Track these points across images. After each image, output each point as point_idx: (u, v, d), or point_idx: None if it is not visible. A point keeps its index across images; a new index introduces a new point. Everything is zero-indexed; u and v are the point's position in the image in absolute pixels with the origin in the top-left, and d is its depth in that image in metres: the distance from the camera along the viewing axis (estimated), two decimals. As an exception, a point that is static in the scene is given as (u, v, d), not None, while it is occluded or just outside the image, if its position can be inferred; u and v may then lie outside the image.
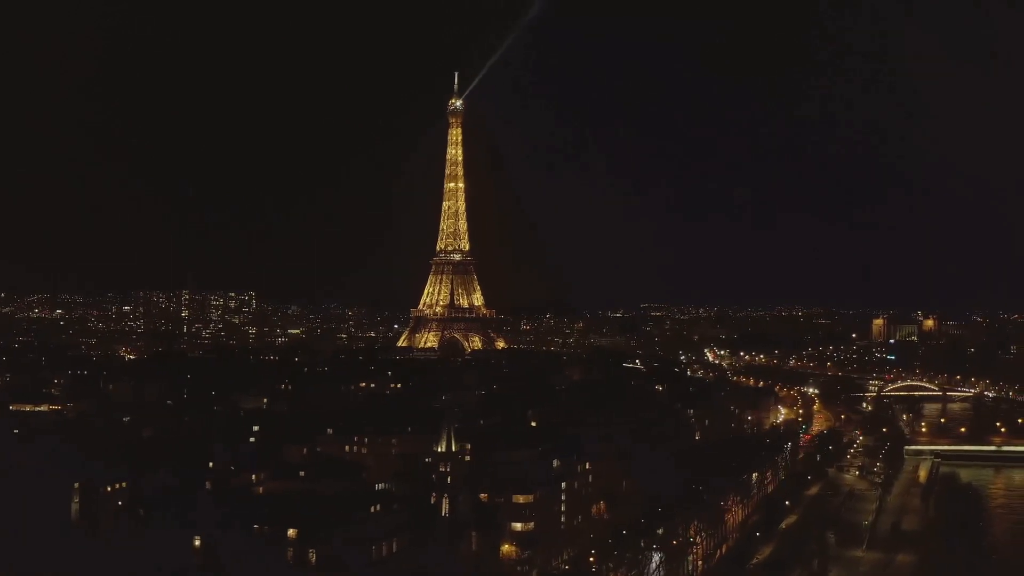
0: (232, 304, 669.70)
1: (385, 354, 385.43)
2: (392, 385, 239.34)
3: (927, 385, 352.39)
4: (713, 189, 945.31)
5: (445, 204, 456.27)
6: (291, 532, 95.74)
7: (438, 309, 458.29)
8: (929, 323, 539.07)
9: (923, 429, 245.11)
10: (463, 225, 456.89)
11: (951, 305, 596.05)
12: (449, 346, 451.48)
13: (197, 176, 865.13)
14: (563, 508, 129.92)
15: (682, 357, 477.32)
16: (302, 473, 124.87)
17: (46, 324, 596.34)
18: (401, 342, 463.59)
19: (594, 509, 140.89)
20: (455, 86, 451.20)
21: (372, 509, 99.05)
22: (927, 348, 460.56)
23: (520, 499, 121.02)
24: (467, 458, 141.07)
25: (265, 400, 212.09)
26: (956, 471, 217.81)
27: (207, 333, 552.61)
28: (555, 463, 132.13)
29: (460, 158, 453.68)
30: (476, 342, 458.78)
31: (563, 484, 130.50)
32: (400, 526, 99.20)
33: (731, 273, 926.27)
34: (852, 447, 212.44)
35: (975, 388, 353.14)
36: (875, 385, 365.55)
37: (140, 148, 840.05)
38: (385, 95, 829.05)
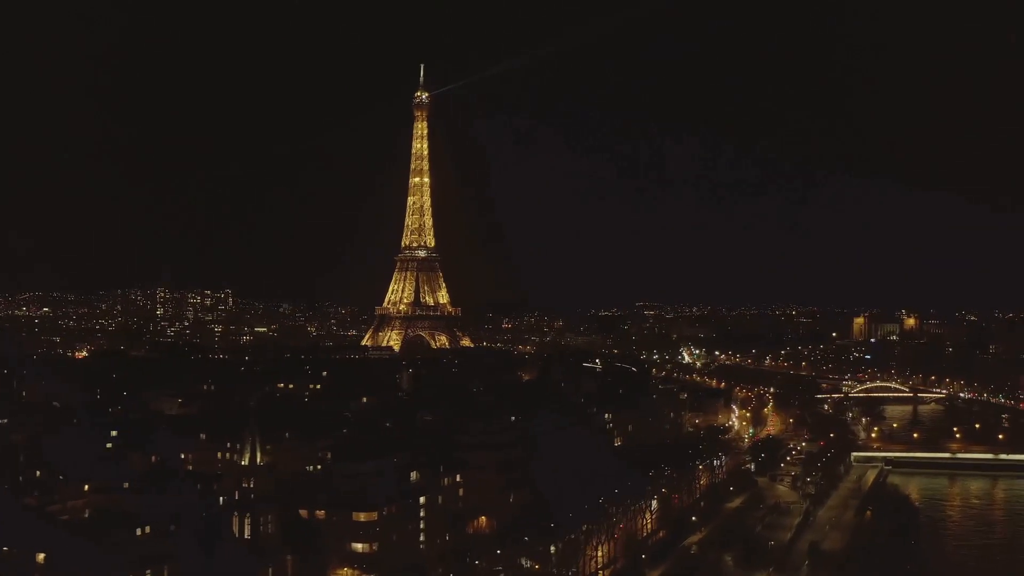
0: (208, 302, 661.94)
1: (340, 353, 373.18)
2: (311, 386, 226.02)
3: (897, 386, 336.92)
4: (708, 187, 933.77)
5: (410, 199, 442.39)
6: (40, 557, 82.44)
7: (402, 307, 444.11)
8: (911, 321, 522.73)
9: (873, 435, 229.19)
10: (428, 221, 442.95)
11: (946, 302, 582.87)
12: (413, 345, 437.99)
13: (182, 174, 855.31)
14: (421, 526, 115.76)
15: (655, 357, 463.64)
16: (126, 485, 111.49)
17: (22, 323, 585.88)
18: (365, 341, 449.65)
19: (471, 526, 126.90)
20: (421, 78, 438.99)
21: (140, 532, 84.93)
22: (904, 348, 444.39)
23: (361, 516, 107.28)
24: (318, 468, 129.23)
25: (180, 401, 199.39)
26: (907, 480, 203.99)
27: (172, 331, 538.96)
28: (414, 475, 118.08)
29: (426, 152, 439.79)
30: (443, 340, 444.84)
31: (422, 499, 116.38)
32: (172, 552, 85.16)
33: (730, 273, 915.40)
34: (791, 454, 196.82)
35: (949, 389, 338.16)
36: (847, 385, 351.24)
37: (136, 147, 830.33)
38: (353, 88, 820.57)
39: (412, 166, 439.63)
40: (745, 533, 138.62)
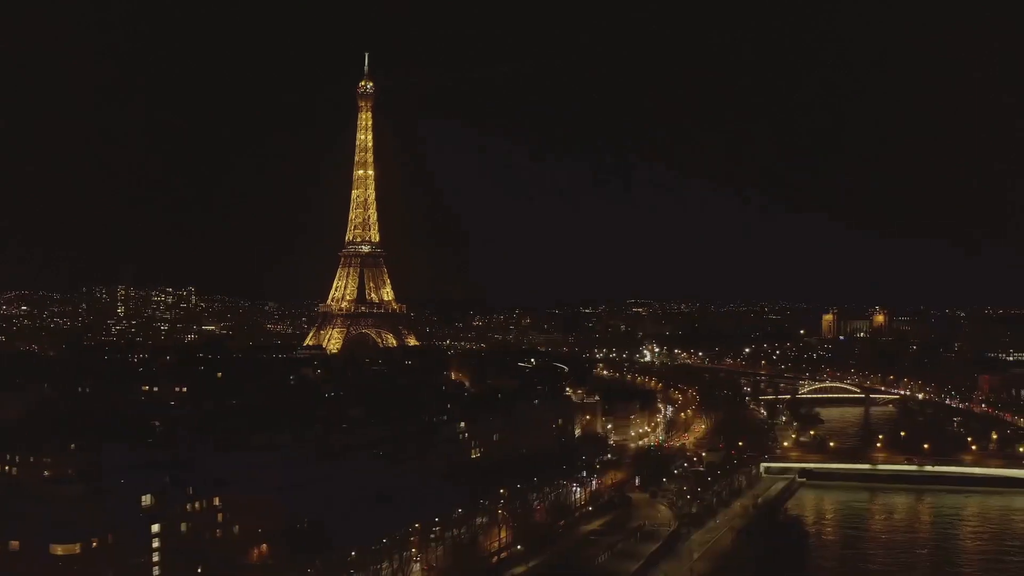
0: (170, 299, 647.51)
1: (267, 353, 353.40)
2: (177, 389, 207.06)
3: (849, 387, 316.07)
4: (697, 184, 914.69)
5: (354, 192, 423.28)
6: None
7: (344, 304, 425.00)
8: (879, 318, 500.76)
9: (790, 442, 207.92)
10: (373, 215, 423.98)
11: (937, 299, 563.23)
12: (356, 344, 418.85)
13: (152, 172, 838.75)
14: (155, 558, 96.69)
15: (613, 355, 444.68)
16: None
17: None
18: (308, 340, 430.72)
19: (253, 555, 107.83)
20: (366, 67, 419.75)
21: None
22: (864, 346, 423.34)
23: (58, 549, 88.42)
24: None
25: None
26: (821, 495, 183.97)
27: (117, 329, 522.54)
28: (146, 499, 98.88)
29: (370, 144, 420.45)
30: (390, 339, 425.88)
31: (156, 526, 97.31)
32: None
33: (727, 271, 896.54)
34: (683, 466, 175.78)
35: (907, 389, 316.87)
36: (802, 386, 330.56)
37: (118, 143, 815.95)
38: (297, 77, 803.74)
39: (356, 158, 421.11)
40: (582, 565, 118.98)
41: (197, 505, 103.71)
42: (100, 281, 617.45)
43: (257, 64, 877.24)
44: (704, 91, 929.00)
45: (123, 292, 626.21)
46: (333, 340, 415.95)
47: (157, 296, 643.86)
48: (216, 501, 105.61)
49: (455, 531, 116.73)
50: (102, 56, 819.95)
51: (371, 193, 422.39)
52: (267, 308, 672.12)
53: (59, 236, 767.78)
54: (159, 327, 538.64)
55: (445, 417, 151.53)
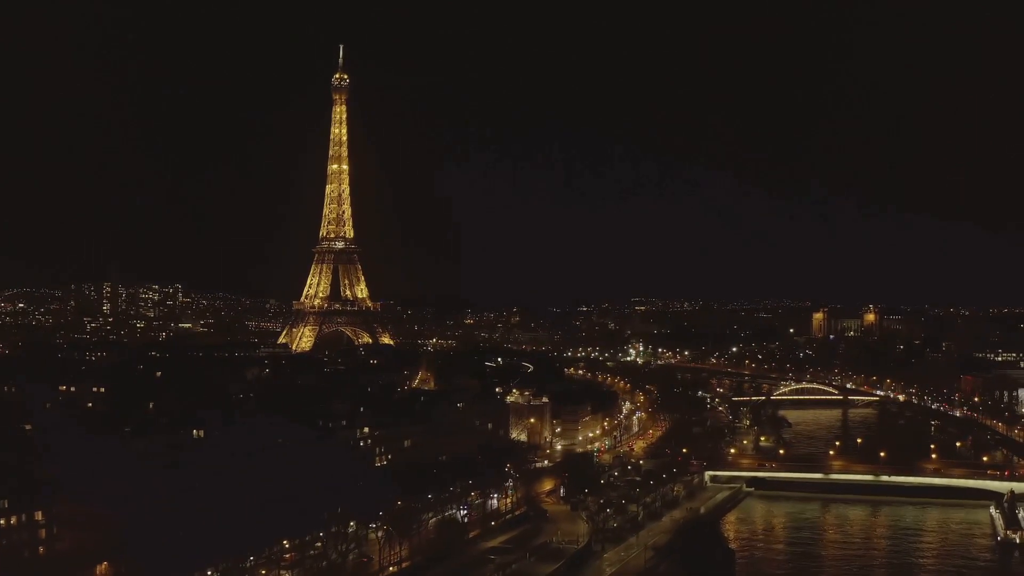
0: (156, 297, 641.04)
1: (230, 351, 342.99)
2: (95, 389, 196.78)
3: (827, 388, 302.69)
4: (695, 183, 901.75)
5: (328, 188, 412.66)
6: None
7: (316, 302, 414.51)
8: (870, 317, 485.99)
9: (733, 451, 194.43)
10: (347, 211, 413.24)
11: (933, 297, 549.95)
12: (330, 341, 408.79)
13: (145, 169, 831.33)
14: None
15: (595, 354, 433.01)
16: None
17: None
18: (282, 338, 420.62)
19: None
20: (340, 59, 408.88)
21: None
22: (849, 345, 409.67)
23: None
24: None
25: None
26: (768, 507, 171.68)
27: (92, 326, 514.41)
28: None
29: (345, 138, 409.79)
30: (364, 337, 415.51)
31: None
32: None
33: (728, 269, 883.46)
34: (614, 475, 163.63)
35: (890, 391, 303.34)
36: (782, 386, 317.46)
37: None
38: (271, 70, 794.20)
39: (330, 152, 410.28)
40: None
41: (13, 520, 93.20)
42: (91, 279, 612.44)
43: (244, 60, 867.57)
44: (701, 86, 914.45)
45: (108, 289, 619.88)
46: (305, 338, 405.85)
47: (145, 293, 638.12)
48: (38, 515, 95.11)
49: (339, 547, 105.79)
50: (90, 55, 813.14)
51: (345, 188, 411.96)
52: (268, 306, 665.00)
53: (60, 234, 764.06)
54: (135, 324, 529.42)
55: (344, 422, 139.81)
